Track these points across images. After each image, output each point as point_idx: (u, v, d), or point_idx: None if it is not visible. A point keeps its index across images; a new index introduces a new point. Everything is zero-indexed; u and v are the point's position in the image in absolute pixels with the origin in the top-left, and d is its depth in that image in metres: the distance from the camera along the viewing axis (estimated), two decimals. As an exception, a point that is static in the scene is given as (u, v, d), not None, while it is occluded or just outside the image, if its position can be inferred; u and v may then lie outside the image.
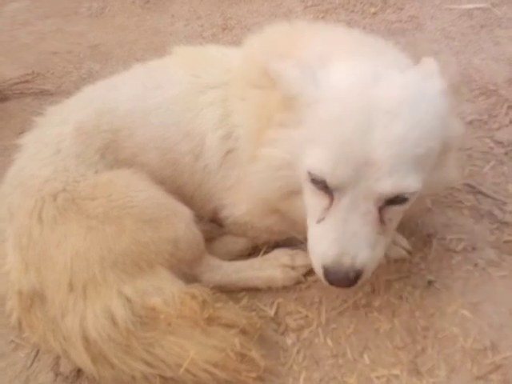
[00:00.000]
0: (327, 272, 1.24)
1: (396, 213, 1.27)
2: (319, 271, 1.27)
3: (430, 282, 1.52)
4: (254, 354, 1.37)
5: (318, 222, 1.27)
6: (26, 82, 3.02)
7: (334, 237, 1.22)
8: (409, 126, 1.15)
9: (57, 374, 1.48)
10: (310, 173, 1.22)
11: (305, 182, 1.28)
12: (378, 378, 1.33)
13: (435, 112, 1.21)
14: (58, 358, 1.51)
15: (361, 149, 1.15)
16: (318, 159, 1.20)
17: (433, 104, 1.22)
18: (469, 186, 1.87)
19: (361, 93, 1.19)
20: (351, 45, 1.40)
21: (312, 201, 1.29)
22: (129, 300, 1.38)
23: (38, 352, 1.56)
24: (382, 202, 1.21)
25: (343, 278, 1.22)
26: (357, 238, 1.22)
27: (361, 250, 1.22)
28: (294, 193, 1.38)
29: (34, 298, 1.44)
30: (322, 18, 3.26)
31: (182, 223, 1.50)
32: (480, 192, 1.84)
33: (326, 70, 1.27)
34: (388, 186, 1.16)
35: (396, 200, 1.20)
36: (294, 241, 1.69)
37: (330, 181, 1.19)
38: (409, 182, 1.17)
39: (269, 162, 1.35)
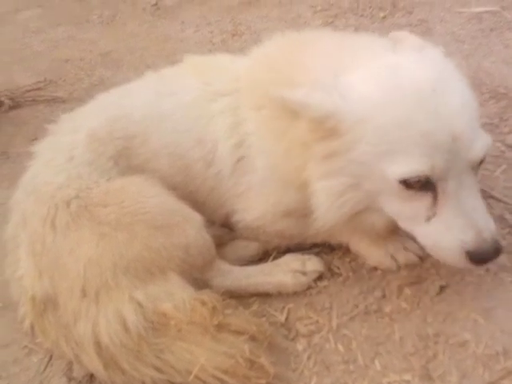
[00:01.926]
0: (474, 254, 1.23)
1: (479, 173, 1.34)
2: (461, 260, 1.26)
3: (441, 288, 1.51)
4: (264, 360, 1.37)
5: (428, 220, 1.27)
6: (39, 89, 3.08)
7: (462, 221, 1.23)
8: (457, 90, 1.25)
9: (70, 379, 1.49)
10: (405, 181, 1.23)
11: (393, 193, 1.28)
12: (389, 383, 1.33)
13: (457, 70, 1.32)
14: (70, 363, 1.52)
15: (441, 131, 1.19)
16: (411, 163, 1.21)
17: (450, 65, 1.33)
18: (480, 190, 1.86)
19: (400, 87, 1.23)
20: (345, 49, 1.43)
21: (410, 206, 1.29)
22: (140, 305, 1.40)
23: (51, 357, 1.57)
24: (476, 168, 1.26)
25: (492, 252, 1.24)
26: (479, 211, 1.25)
27: (488, 219, 1.26)
28: (361, 211, 1.40)
29: (47, 304, 1.47)
30: (331, 22, 3.27)
31: (192, 229, 1.52)
32: (491, 196, 1.83)
33: (346, 82, 1.30)
34: (479, 147, 1.22)
35: (481, 161, 1.26)
36: (305, 246, 1.72)
37: (434, 174, 1.21)
38: (487, 138, 1.26)
39: (330, 192, 1.35)
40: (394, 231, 1.60)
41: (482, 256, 1.23)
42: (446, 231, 1.25)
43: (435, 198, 1.25)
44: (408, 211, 1.31)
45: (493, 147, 2.06)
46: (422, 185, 1.23)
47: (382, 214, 1.39)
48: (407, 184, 1.23)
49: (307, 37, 1.61)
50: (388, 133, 1.22)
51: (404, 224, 1.36)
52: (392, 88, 1.25)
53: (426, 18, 3.15)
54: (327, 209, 1.36)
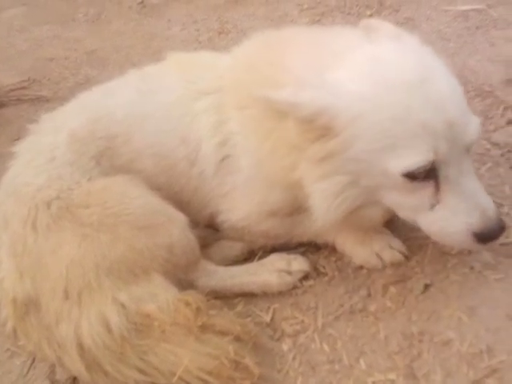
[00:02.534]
0: (482, 234, 1.27)
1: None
2: (468, 241, 1.30)
3: (426, 286, 1.51)
4: (249, 361, 1.36)
5: (432, 208, 1.30)
6: (23, 88, 3.04)
7: (467, 204, 1.27)
8: (443, 76, 1.28)
9: (52, 382, 1.49)
10: (409, 173, 1.24)
11: (395, 186, 1.30)
12: (374, 383, 1.32)
13: (436, 56, 1.35)
14: (53, 365, 1.50)
15: (437, 119, 1.21)
16: (415, 155, 1.22)
17: (430, 52, 1.36)
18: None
19: (390, 81, 1.24)
20: (323, 45, 1.43)
21: (413, 197, 1.31)
22: (123, 307, 1.38)
23: (33, 360, 1.56)
24: (469, 152, 1.29)
25: (498, 229, 1.28)
26: (480, 192, 1.29)
27: (489, 199, 1.30)
28: (362, 206, 1.40)
29: (29, 306, 1.45)
30: (318, 21, 3.26)
31: (176, 229, 1.51)
32: (476, 194, 1.84)
33: (332, 79, 1.29)
34: (473, 130, 1.26)
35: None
36: (291, 246, 1.71)
37: (436, 162, 1.23)
38: (477, 119, 1.30)
39: (328, 192, 1.35)
40: (378, 229, 1.61)
41: (489, 234, 1.28)
42: (452, 216, 1.28)
43: (437, 185, 1.27)
44: (411, 202, 1.32)
45: (478, 145, 2.08)
46: (425, 175, 1.25)
47: (379, 207, 1.41)
48: (411, 176, 1.25)
49: (284, 35, 1.59)
50: (386, 128, 1.22)
51: (406, 214, 1.39)
52: (381, 82, 1.25)
53: (412, 16, 3.16)
54: (326, 209, 1.36)
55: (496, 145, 2.07)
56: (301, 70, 1.36)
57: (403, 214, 1.40)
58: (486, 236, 1.28)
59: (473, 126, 1.27)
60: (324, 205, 1.36)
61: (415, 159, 1.22)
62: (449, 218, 1.29)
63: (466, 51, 2.71)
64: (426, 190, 1.29)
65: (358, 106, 1.23)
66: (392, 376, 1.33)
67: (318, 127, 1.27)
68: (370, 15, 3.23)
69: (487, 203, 1.28)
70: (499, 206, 1.76)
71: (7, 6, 4.53)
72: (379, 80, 1.25)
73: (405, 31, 1.45)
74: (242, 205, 1.61)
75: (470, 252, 1.60)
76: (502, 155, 2.01)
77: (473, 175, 1.30)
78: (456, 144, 1.24)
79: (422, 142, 1.21)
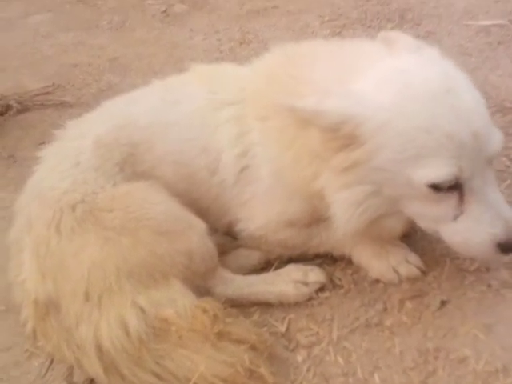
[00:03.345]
0: (506, 244, 1.29)
1: None
2: (492, 252, 1.31)
3: (442, 302, 1.51)
4: (264, 370, 1.37)
5: (455, 218, 1.32)
6: (47, 93, 3.10)
7: (490, 215, 1.29)
8: (466, 88, 1.31)
9: (70, 384, 1.50)
10: (433, 184, 1.25)
11: (419, 197, 1.31)
12: (388, 397, 1.33)
13: (457, 68, 1.37)
14: (71, 367, 1.52)
15: (463, 130, 1.22)
16: (440, 167, 1.24)
17: (452, 63, 1.38)
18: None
19: (416, 92, 1.26)
20: (344, 59, 1.46)
21: (437, 208, 1.33)
22: (143, 310, 1.41)
23: (52, 361, 1.57)
24: (492, 163, 1.31)
25: None
26: (502, 203, 1.31)
27: (510, 209, 1.31)
28: (382, 216, 1.42)
29: (50, 307, 1.48)
30: (339, 33, 3.28)
31: (196, 236, 1.53)
32: (495, 211, 1.83)
33: (357, 90, 1.32)
34: (497, 141, 1.29)
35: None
36: (308, 257, 1.73)
37: (462, 174, 1.24)
38: (499, 131, 1.32)
39: (350, 201, 1.37)
40: (395, 242, 1.61)
41: None
42: (476, 227, 1.30)
43: (461, 196, 1.29)
44: (435, 212, 1.34)
45: (498, 161, 2.08)
46: (450, 186, 1.26)
47: (400, 218, 1.43)
48: (436, 187, 1.26)
49: (304, 48, 1.62)
50: (412, 138, 1.24)
51: (428, 224, 1.40)
52: (406, 91, 1.27)
53: (433, 30, 3.17)
54: (348, 219, 1.38)
55: (516, 162, 2.07)
56: (323, 82, 1.39)
57: (425, 224, 1.41)
58: (510, 246, 1.29)
59: (496, 137, 1.29)
60: (346, 214, 1.38)
61: (441, 171, 1.23)
62: (472, 228, 1.30)
63: (488, 66, 2.71)
64: (450, 201, 1.30)
65: (384, 114, 1.25)
66: (406, 391, 1.33)
67: (342, 136, 1.28)
68: (392, 28, 3.23)
69: (510, 213, 1.29)
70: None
71: (33, 12, 4.63)
72: (403, 89, 1.27)
73: (424, 43, 1.47)
74: (260, 214, 1.63)
75: (487, 269, 1.60)
76: (521, 172, 2.00)
77: (495, 186, 1.32)
78: (480, 155, 1.25)
79: (447, 152, 1.22)
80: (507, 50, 2.84)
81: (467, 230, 1.32)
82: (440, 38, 3.06)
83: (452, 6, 3.37)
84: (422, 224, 1.42)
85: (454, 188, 1.28)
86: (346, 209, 1.38)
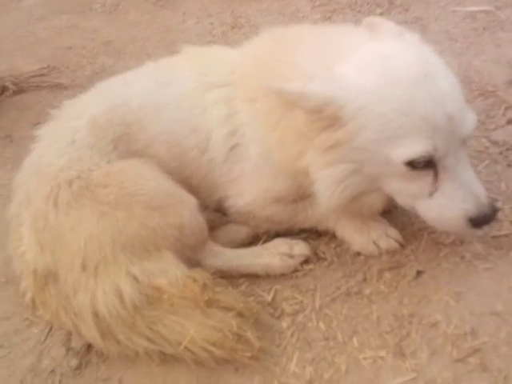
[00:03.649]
0: (477, 220, 1.38)
1: None
2: (464, 227, 1.40)
3: (418, 272, 1.61)
4: (250, 335, 1.46)
5: (430, 195, 1.41)
6: (42, 75, 3.14)
7: (463, 191, 1.38)
8: (444, 73, 1.38)
9: (68, 349, 1.59)
10: (410, 162, 1.34)
11: (397, 174, 1.40)
12: (365, 359, 1.42)
13: (435, 54, 1.43)
14: (69, 334, 1.61)
15: (438, 112, 1.31)
16: (416, 145, 1.32)
17: (431, 50, 1.44)
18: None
19: (395, 76, 1.34)
20: (328, 44, 1.53)
21: (413, 185, 1.42)
22: (136, 279, 1.49)
23: (50, 328, 1.66)
24: (465, 144, 1.40)
25: (492, 213, 1.40)
26: (475, 181, 1.40)
27: (482, 186, 1.40)
28: (363, 193, 1.50)
29: (48, 277, 1.56)
30: (329, 18, 3.33)
31: (187, 210, 1.61)
32: (472, 189, 1.92)
33: (340, 74, 1.39)
34: (469, 124, 1.37)
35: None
36: (294, 231, 1.81)
37: (436, 153, 1.33)
38: (473, 114, 1.40)
39: (332, 178, 1.45)
40: (376, 217, 1.70)
41: (483, 219, 1.39)
42: (449, 203, 1.39)
43: (436, 174, 1.38)
44: (411, 189, 1.43)
45: (478, 143, 2.17)
46: (425, 164, 1.35)
47: (379, 195, 1.51)
48: (412, 165, 1.35)
49: (291, 33, 1.69)
50: (391, 119, 1.32)
51: (405, 201, 1.49)
52: (387, 75, 1.35)
53: (421, 15, 3.22)
54: (330, 195, 1.47)
55: (495, 143, 2.15)
56: (308, 66, 1.47)
57: (403, 201, 1.50)
58: (481, 220, 1.39)
59: (470, 120, 1.37)
60: (328, 191, 1.46)
61: (416, 149, 1.32)
62: (446, 204, 1.39)
63: (472, 51, 2.78)
64: (425, 179, 1.39)
65: (365, 97, 1.33)
66: (382, 353, 1.43)
67: (325, 117, 1.37)
68: (381, 14, 3.29)
69: (480, 190, 1.39)
70: (494, 201, 1.84)
71: (27, -5, 4.64)
72: (384, 74, 1.35)
73: (406, 29, 1.53)
74: (248, 190, 1.71)
75: (462, 243, 1.69)
76: (500, 153, 2.09)
77: (468, 165, 1.40)
78: (454, 136, 1.34)
79: (423, 133, 1.31)
80: (492, 35, 2.91)
81: (441, 206, 1.41)
82: (427, 23, 3.12)
83: (440, -9, 3.43)
84: (400, 200, 1.51)
85: (428, 166, 1.36)
86: (328, 185, 1.46)
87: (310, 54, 1.51)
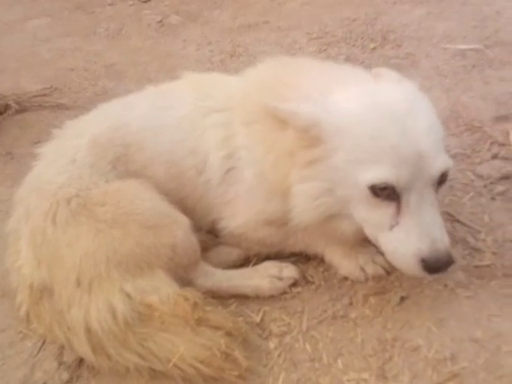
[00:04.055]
0: (428, 263, 1.38)
1: (440, 195, 1.53)
2: (415, 267, 1.40)
3: (402, 298, 1.66)
4: (238, 354, 1.50)
5: (391, 228, 1.43)
6: (44, 95, 3.22)
7: (420, 230, 1.38)
8: (427, 116, 1.44)
9: (60, 363, 1.61)
10: (373, 186, 1.39)
11: (362, 200, 1.44)
12: (348, 380, 1.46)
13: (430, 103, 1.51)
14: (62, 348, 1.64)
15: (409, 147, 1.37)
16: (380, 171, 1.37)
17: (424, 98, 1.52)
18: (447, 214, 2.02)
19: (378, 107, 1.42)
20: (333, 75, 1.63)
21: (376, 213, 1.45)
22: (129, 296, 1.53)
23: (44, 342, 1.69)
24: (436, 185, 1.42)
25: (445, 262, 1.38)
26: (437, 225, 1.40)
27: (443, 233, 1.41)
28: (333, 215, 1.55)
29: (44, 292, 1.59)
30: (324, 50, 3.46)
31: (180, 231, 1.66)
32: (457, 220, 1.99)
33: (332, 100, 1.48)
34: (439, 166, 1.39)
35: (442, 179, 1.43)
36: (284, 255, 1.87)
37: (399, 184, 1.37)
38: (448, 158, 1.43)
39: (307, 194, 1.51)
40: (364, 244, 1.76)
41: (435, 264, 1.38)
42: (405, 239, 1.41)
43: (399, 208, 1.41)
44: (374, 218, 1.46)
45: (463, 175, 2.25)
46: (388, 194, 1.40)
47: (352, 222, 1.54)
48: (375, 191, 1.40)
49: (299, 62, 1.80)
50: (362, 143, 1.39)
51: (370, 231, 1.52)
52: (370, 106, 1.43)
53: (413, 51, 3.35)
54: (303, 209, 1.53)
55: (480, 176, 2.23)
56: (308, 90, 1.56)
57: (368, 230, 1.53)
58: (432, 265, 1.38)
59: (441, 162, 1.39)
60: (301, 206, 1.53)
61: (379, 175, 1.37)
62: (402, 240, 1.42)
63: (461, 88, 2.89)
64: (387, 209, 1.43)
65: (344, 120, 1.42)
66: (365, 376, 1.47)
67: (309, 137, 1.45)
68: (374, 48, 3.43)
69: (440, 236, 1.39)
70: (477, 232, 1.93)
71: (33, 17, 4.76)
72: (368, 103, 1.43)
73: (406, 78, 1.62)
74: (242, 213, 1.77)
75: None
76: (484, 186, 2.17)
77: (434, 208, 1.42)
78: (422, 174, 1.38)
79: (389, 161, 1.37)
80: (481, 73, 3.03)
81: (397, 241, 1.43)
82: (419, 59, 3.25)
83: (432, 29, 3.57)
84: (366, 230, 1.53)
85: (392, 198, 1.41)
86: (302, 200, 1.53)
87: (313, 81, 1.60)
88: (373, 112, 1.41)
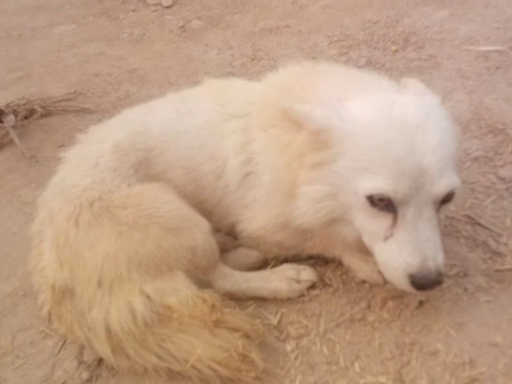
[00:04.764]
0: (415, 279, 1.37)
1: (444, 213, 1.48)
2: (403, 281, 1.40)
3: (420, 302, 1.66)
4: (255, 356, 1.51)
5: (386, 239, 1.43)
6: (69, 100, 3.30)
7: (413, 246, 1.37)
8: (438, 133, 1.39)
9: (80, 363, 1.65)
10: (371, 196, 1.39)
11: (361, 208, 1.44)
12: (365, 384, 1.47)
13: (447, 119, 1.47)
14: (82, 348, 1.68)
15: (412, 162, 1.35)
16: (378, 181, 1.37)
17: (442, 113, 1.48)
18: (468, 217, 2.01)
19: (389, 118, 1.40)
20: (355, 82, 1.62)
21: (372, 223, 1.45)
22: (149, 298, 1.56)
23: (64, 342, 1.73)
24: (438, 204, 1.40)
25: (432, 281, 1.37)
26: (431, 242, 1.38)
27: (437, 252, 1.39)
28: (335, 220, 1.55)
29: (65, 293, 1.63)
30: (345, 53, 3.46)
31: (200, 233, 1.68)
32: (478, 223, 1.97)
33: (347, 106, 1.48)
34: (442, 186, 1.36)
35: (447, 198, 1.40)
36: (302, 258, 1.88)
37: (395, 196, 1.36)
38: (455, 178, 1.39)
39: (311, 196, 1.52)
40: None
41: (422, 281, 1.37)
42: (397, 252, 1.40)
43: (395, 220, 1.41)
44: (371, 227, 1.46)
45: (485, 178, 2.22)
46: (385, 205, 1.39)
47: (354, 228, 1.54)
48: (372, 201, 1.39)
49: (322, 66, 1.80)
50: (366, 152, 1.39)
51: (367, 239, 1.52)
52: (382, 116, 1.42)
53: (435, 53, 3.33)
54: (305, 211, 1.54)
55: (502, 179, 2.21)
56: (326, 94, 1.56)
57: (365, 239, 1.52)
58: (420, 281, 1.37)
59: (445, 182, 1.36)
60: (304, 207, 1.54)
61: (377, 185, 1.37)
62: (394, 252, 1.41)
63: (484, 90, 2.86)
64: (384, 220, 1.42)
65: (353, 128, 1.42)
66: (382, 379, 1.47)
67: (320, 140, 1.46)
68: (395, 51, 3.41)
69: (433, 254, 1.37)
70: (498, 235, 1.90)
71: (58, 23, 4.88)
72: (380, 113, 1.42)
73: (431, 91, 1.59)
74: (260, 216, 1.79)
75: (465, 275, 1.74)
76: (506, 189, 2.15)
77: (431, 226, 1.40)
78: (422, 191, 1.36)
79: (389, 173, 1.35)
80: (504, 74, 2.99)
81: (389, 253, 1.43)
82: (441, 61, 3.23)
83: (455, 31, 3.54)
84: (364, 238, 1.53)
85: (389, 209, 1.40)
86: (305, 202, 1.53)
87: (333, 86, 1.61)
88: (382, 122, 1.40)
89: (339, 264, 1.85)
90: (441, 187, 1.36)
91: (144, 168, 1.81)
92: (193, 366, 1.49)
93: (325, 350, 1.59)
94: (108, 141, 1.84)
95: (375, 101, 1.48)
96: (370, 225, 1.46)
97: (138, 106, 2.03)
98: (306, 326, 1.67)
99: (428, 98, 1.53)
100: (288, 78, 1.78)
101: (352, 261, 1.80)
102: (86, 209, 1.65)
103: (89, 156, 1.81)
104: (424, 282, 1.37)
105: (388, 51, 3.43)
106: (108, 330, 1.56)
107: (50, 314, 1.71)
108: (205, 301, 1.59)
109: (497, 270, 1.75)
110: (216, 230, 1.79)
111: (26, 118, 3.09)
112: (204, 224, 1.72)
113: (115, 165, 1.77)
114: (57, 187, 1.80)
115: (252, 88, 1.94)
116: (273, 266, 1.86)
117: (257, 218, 1.80)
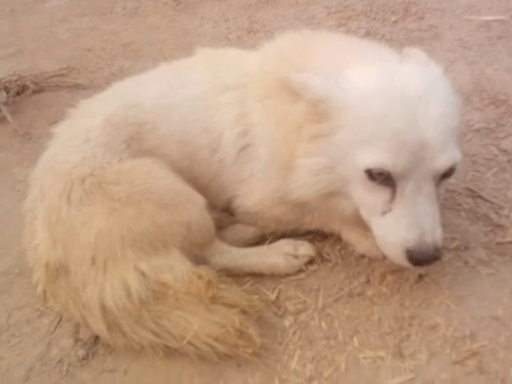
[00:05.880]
0: (412, 254, 1.35)
1: (444, 187, 1.45)
2: (400, 256, 1.38)
3: (420, 276, 1.63)
4: (252, 331, 1.49)
5: (383, 213, 1.40)
6: (62, 75, 3.23)
7: (410, 220, 1.34)
8: (441, 105, 1.34)
9: (76, 340, 1.64)
10: (369, 170, 1.34)
11: (359, 181, 1.40)
12: (364, 358, 1.45)
13: (450, 90, 1.42)
14: (78, 325, 1.66)
15: (413, 135, 1.30)
16: (377, 155, 1.32)
17: (445, 84, 1.43)
18: (469, 190, 1.97)
19: (390, 88, 1.35)
20: (355, 50, 1.56)
21: (371, 197, 1.41)
22: (143, 275, 1.53)
23: (60, 320, 1.71)
24: (438, 178, 1.36)
25: (430, 256, 1.35)
26: (429, 217, 1.35)
27: (435, 227, 1.36)
28: (333, 193, 1.52)
29: (59, 270, 1.60)
30: (344, 24, 3.38)
31: (195, 209, 1.64)
32: (479, 196, 1.94)
33: (346, 75, 1.42)
34: (444, 160, 1.32)
35: (448, 173, 1.36)
36: (300, 233, 1.85)
37: (394, 170, 1.32)
38: (457, 153, 1.35)
39: (308, 168, 1.48)
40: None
41: (419, 256, 1.35)
42: (394, 226, 1.37)
43: (393, 195, 1.37)
44: (369, 201, 1.43)
45: (487, 150, 2.18)
46: (384, 179, 1.35)
47: (352, 202, 1.50)
48: (370, 174, 1.35)
49: (321, 34, 1.74)
50: (366, 124, 1.34)
51: (364, 213, 1.48)
52: (382, 87, 1.36)
53: (436, 23, 3.25)
54: (303, 184, 1.50)
55: (504, 151, 2.17)
56: (325, 63, 1.51)
57: (363, 213, 1.49)
58: (417, 257, 1.35)
59: (446, 156, 1.32)
60: (302, 180, 1.50)
61: (375, 159, 1.32)
62: (392, 227, 1.38)
63: (486, 60, 2.80)
64: (382, 194, 1.39)
65: (352, 99, 1.36)
66: (381, 353, 1.45)
67: (318, 111, 1.41)
68: (395, 21, 3.33)
69: (431, 229, 1.34)
70: (500, 208, 1.87)
71: (50, -3, 4.77)
72: (381, 85, 1.37)
73: (433, 61, 1.54)
74: (257, 190, 1.75)
75: (466, 248, 1.71)
76: (508, 161, 2.11)
77: (430, 201, 1.36)
78: (422, 165, 1.32)
79: (388, 146, 1.31)
80: (506, 45, 2.93)
81: (387, 227, 1.40)
82: (442, 31, 3.15)
83: (456, 0, 3.45)
84: (362, 212, 1.50)
85: (387, 183, 1.36)
86: (303, 174, 1.50)
87: (332, 55, 1.55)
88: (383, 93, 1.35)
89: (338, 239, 1.82)
90: (442, 162, 1.32)
91: (136, 143, 1.76)
92: (189, 343, 1.47)
93: (323, 325, 1.57)
94: (99, 115, 1.79)
95: (376, 70, 1.42)
96: (368, 199, 1.42)
97: (130, 79, 1.97)
98: (305, 302, 1.65)
99: (431, 69, 1.47)
100: (285, 47, 1.71)
101: (351, 235, 1.77)
102: (77, 185, 1.61)
103: (79, 131, 1.76)
104: (421, 257, 1.35)
105: (387, 22, 3.35)
106: (103, 307, 1.53)
107: (44, 292, 1.68)
108: (200, 277, 1.56)
109: (498, 243, 1.72)
110: (212, 206, 1.75)
111: (18, 94, 3.04)
112: (199, 199, 1.68)
113: (106, 140, 1.72)
114: (47, 163, 1.76)
115: (247, 57, 1.87)
116: (270, 242, 1.83)
117: (254, 193, 1.76)
